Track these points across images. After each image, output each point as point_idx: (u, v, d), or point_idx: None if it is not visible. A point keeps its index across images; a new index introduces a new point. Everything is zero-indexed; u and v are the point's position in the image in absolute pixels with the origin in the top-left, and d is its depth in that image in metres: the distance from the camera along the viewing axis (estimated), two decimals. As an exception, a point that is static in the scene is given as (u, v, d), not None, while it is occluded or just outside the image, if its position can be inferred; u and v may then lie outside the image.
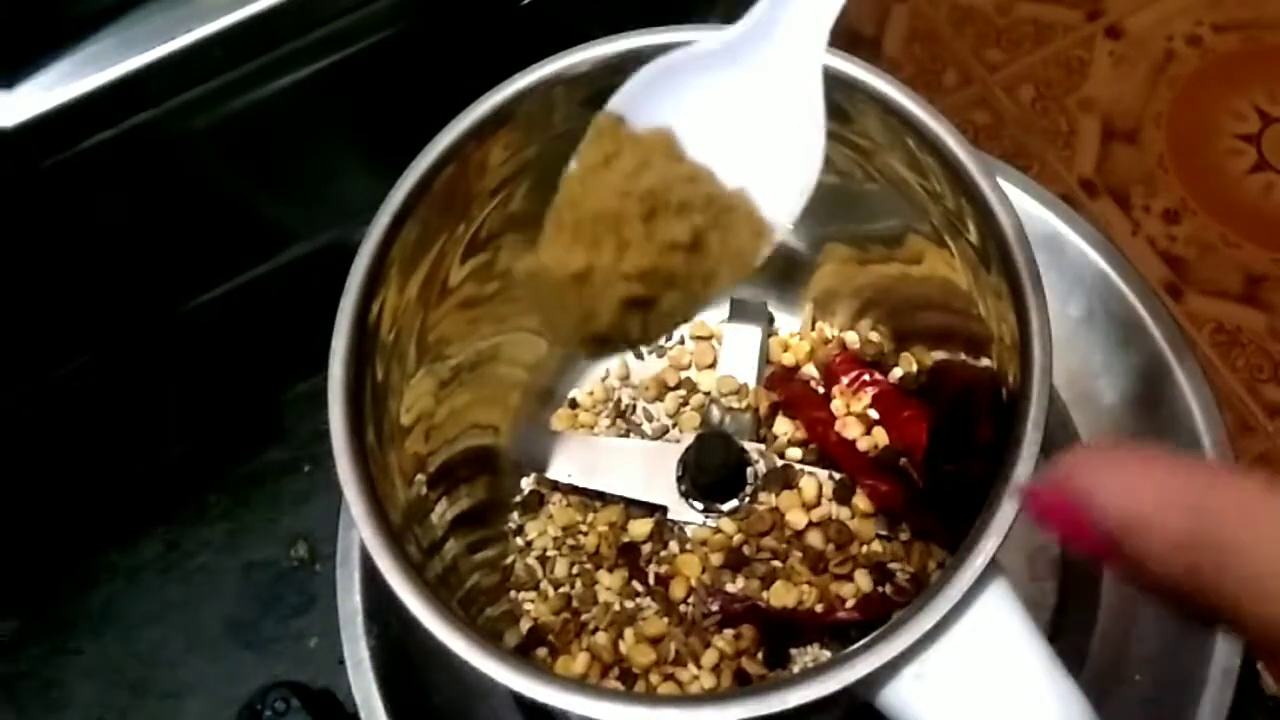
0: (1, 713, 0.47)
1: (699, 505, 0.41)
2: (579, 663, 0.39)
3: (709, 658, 0.38)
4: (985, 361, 0.36)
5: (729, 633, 0.39)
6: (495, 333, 0.40)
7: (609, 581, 0.41)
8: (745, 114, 0.30)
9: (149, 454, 0.50)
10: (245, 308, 0.47)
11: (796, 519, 0.40)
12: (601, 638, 0.40)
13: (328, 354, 0.32)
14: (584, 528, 0.42)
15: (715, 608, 0.39)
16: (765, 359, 0.45)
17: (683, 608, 0.40)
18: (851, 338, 0.44)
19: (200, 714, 0.46)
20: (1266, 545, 0.19)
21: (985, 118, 1.01)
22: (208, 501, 0.50)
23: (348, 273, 0.32)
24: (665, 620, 0.40)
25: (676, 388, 0.45)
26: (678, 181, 0.29)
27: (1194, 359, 0.41)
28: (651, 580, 0.41)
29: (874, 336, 0.44)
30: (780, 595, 0.39)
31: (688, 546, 0.41)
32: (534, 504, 0.43)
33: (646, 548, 0.41)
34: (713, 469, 0.40)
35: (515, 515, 0.43)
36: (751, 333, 0.44)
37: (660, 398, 0.45)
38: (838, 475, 0.41)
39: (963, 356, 0.39)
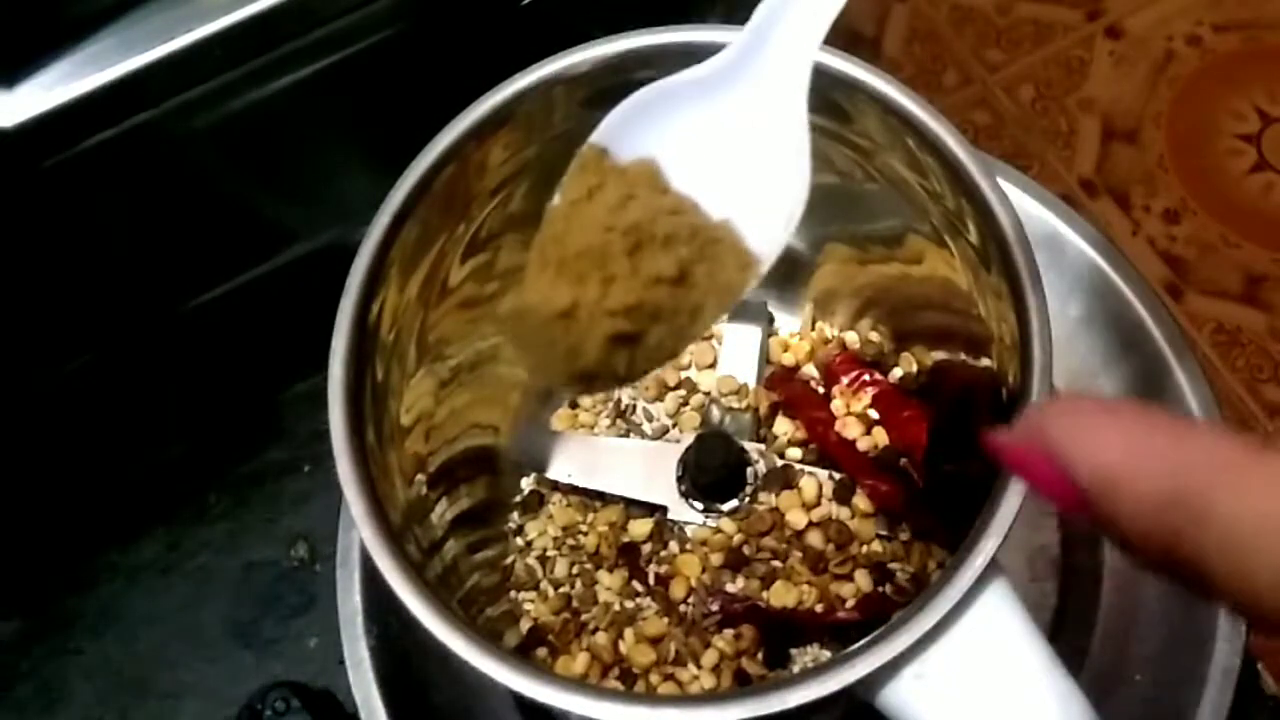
0: (2, 713, 0.47)
1: (699, 505, 0.41)
2: (579, 663, 0.39)
3: (709, 658, 0.38)
4: (985, 361, 0.36)
5: (729, 633, 0.39)
6: (495, 333, 0.40)
7: (609, 581, 0.41)
8: (730, 144, 0.30)
9: (149, 454, 0.50)
10: (245, 308, 0.47)
11: (796, 519, 0.40)
12: (601, 638, 0.40)
13: (328, 354, 0.32)
14: (584, 528, 0.42)
15: (715, 608, 0.39)
16: (765, 359, 0.45)
17: (683, 608, 0.40)
18: (851, 338, 0.44)
19: (200, 714, 0.46)
20: (1246, 507, 0.18)
21: (985, 118, 1.01)
22: (208, 501, 0.50)
23: (348, 273, 0.32)
24: (665, 620, 0.40)
25: (676, 388, 0.45)
26: (663, 214, 0.29)
27: (1194, 359, 0.41)
28: (651, 580, 0.41)
29: (874, 336, 0.44)
30: (780, 595, 0.39)
31: (688, 546, 0.41)
32: (534, 504, 0.43)
33: (646, 548, 0.41)
34: (713, 469, 0.40)
35: (515, 515, 0.43)
36: (751, 333, 0.44)
37: (660, 398, 0.45)
38: (838, 475, 0.41)
39: (963, 356, 0.39)
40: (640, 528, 0.41)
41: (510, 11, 0.43)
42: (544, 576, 0.42)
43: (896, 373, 0.42)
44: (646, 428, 0.44)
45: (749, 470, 0.41)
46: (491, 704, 0.41)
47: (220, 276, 0.47)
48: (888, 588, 0.39)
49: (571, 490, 0.43)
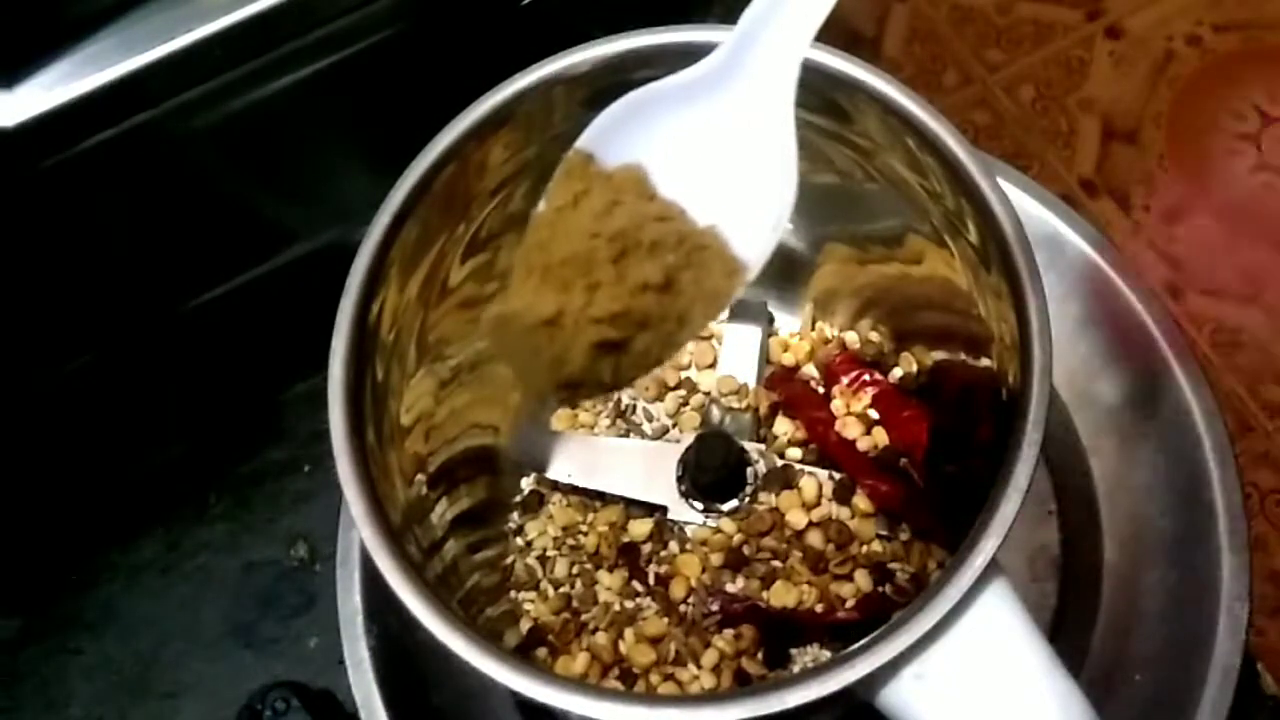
0: (2, 712, 0.47)
1: (699, 505, 0.41)
2: (579, 663, 0.39)
3: (709, 658, 0.38)
4: (985, 361, 0.36)
5: (729, 633, 0.39)
6: (482, 338, 0.40)
7: (609, 581, 0.41)
8: (717, 149, 0.30)
9: (149, 454, 0.50)
10: (245, 308, 0.47)
11: (796, 519, 0.40)
12: (601, 638, 0.40)
13: (328, 354, 0.32)
14: (584, 528, 0.42)
15: (715, 608, 0.39)
16: (765, 359, 0.45)
17: (683, 608, 0.40)
18: (851, 338, 0.44)
19: (200, 714, 0.46)
20: None
21: (985, 118, 1.01)
22: (208, 501, 0.50)
23: (348, 273, 0.32)
24: (665, 620, 0.40)
25: (676, 388, 0.45)
26: (649, 220, 0.29)
27: (1194, 359, 0.41)
28: (651, 580, 0.41)
29: (874, 336, 0.44)
30: (780, 595, 0.39)
31: (688, 546, 0.41)
32: (534, 504, 0.43)
33: (646, 548, 0.41)
34: (713, 469, 0.40)
35: (515, 515, 0.43)
36: (751, 333, 0.44)
37: (660, 398, 0.45)
38: (838, 475, 0.41)
39: (963, 356, 0.39)
40: (640, 528, 0.41)
41: (510, 11, 0.43)
42: (544, 576, 0.42)
43: (896, 373, 0.42)
44: (646, 428, 0.44)
45: (749, 470, 0.41)
46: (491, 704, 0.41)
47: (220, 276, 0.47)
48: (888, 588, 0.39)
49: (571, 490, 0.43)
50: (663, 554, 0.41)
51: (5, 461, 0.46)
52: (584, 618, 0.41)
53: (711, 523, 0.41)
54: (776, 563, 0.40)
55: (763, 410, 0.43)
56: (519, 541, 0.43)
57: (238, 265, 0.47)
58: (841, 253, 0.42)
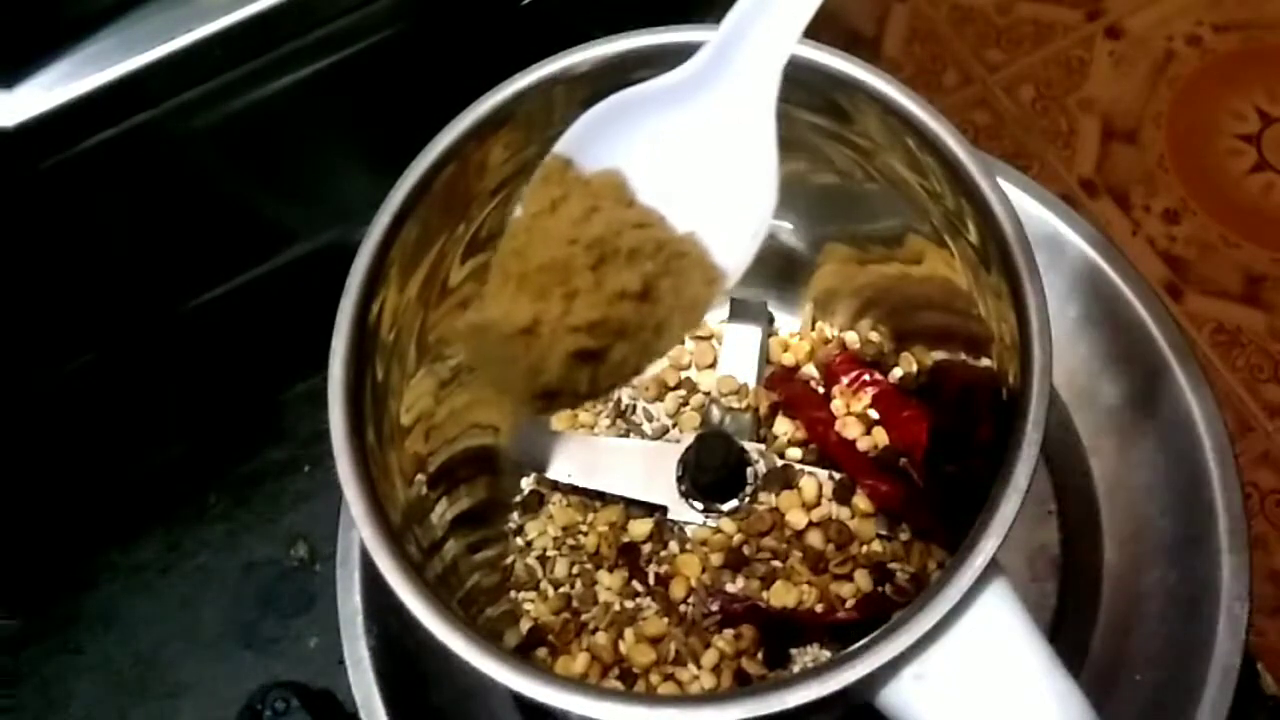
0: (2, 711, 0.47)
1: (699, 505, 0.41)
2: (579, 663, 0.39)
3: (709, 658, 0.38)
4: (985, 361, 0.36)
5: (729, 633, 0.39)
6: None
7: (609, 581, 0.41)
8: (696, 156, 0.30)
9: (149, 454, 0.50)
10: (245, 308, 0.47)
11: (796, 519, 0.40)
12: (601, 638, 0.40)
13: (328, 354, 0.32)
14: (584, 528, 0.42)
15: (715, 608, 0.39)
16: (765, 359, 0.45)
17: (683, 608, 0.40)
18: (851, 338, 0.44)
19: (200, 714, 0.46)
20: None
21: (985, 118, 1.01)
22: (208, 501, 0.50)
23: (348, 273, 0.32)
24: (665, 620, 0.40)
25: (676, 388, 0.45)
26: (627, 227, 0.29)
27: (1194, 359, 0.41)
28: (651, 580, 0.41)
29: (874, 336, 0.44)
30: (780, 595, 0.39)
31: (688, 546, 0.41)
32: (534, 504, 0.43)
33: (646, 548, 0.41)
34: (713, 469, 0.40)
35: (515, 515, 0.43)
36: (751, 333, 0.44)
37: (660, 398, 0.45)
38: (838, 475, 0.41)
39: (963, 356, 0.39)
40: (640, 528, 0.41)
41: (510, 11, 0.43)
42: (544, 576, 0.42)
43: (896, 373, 0.42)
44: (646, 428, 0.44)
45: (749, 470, 0.41)
46: (491, 704, 0.41)
47: (220, 276, 0.47)
48: (888, 588, 0.39)
49: (571, 490, 0.43)
50: (663, 554, 0.41)
51: (5, 461, 0.46)
52: (584, 618, 0.41)
53: (711, 523, 0.41)
54: (776, 563, 0.40)
55: (763, 410, 0.43)
56: (519, 541, 0.43)
57: (238, 265, 0.47)
58: (841, 253, 0.42)
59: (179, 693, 0.47)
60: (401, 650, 0.39)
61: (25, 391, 0.45)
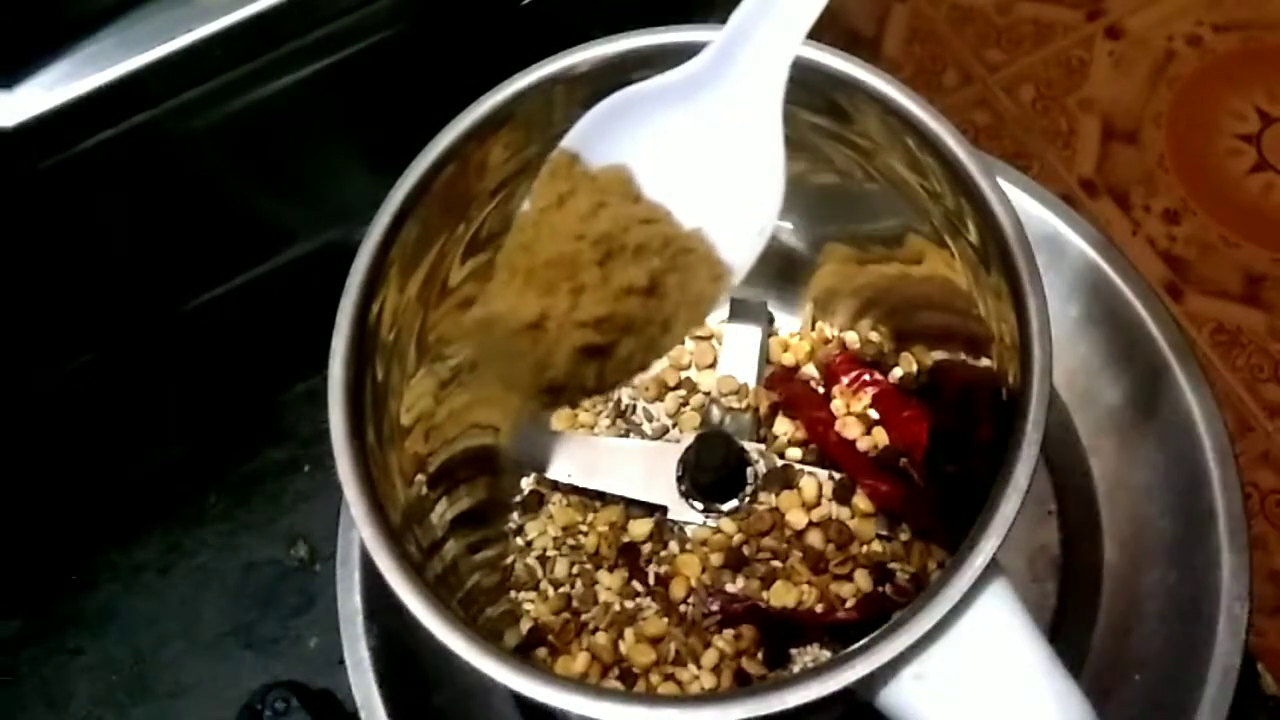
0: (2, 712, 0.47)
1: (699, 505, 0.41)
2: (579, 663, 0.39)
3: (709, 658, 0.38)
4: (985, 361, 0.36)
5: (729, 633, 0.39)
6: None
7: (609, 581, 0.41)
8: (703, 151, 0.30)
9: (149, 454, 0.50)
10: (245, 308, 0.47)
11: (796, 519, 0.40)
12: (601, 638, 0.40)
13: (328, 354, 0.32)
14: (584, 528, 0.42)
15: (715, 608, 0.39)
16: (765, 359, 0.45)
17: (683, 608, 0.40)
18: (851, 338, 0.44)
19: (200, 714, 0.46)
20: None
21: (985, 118, 1.01)
22: (208, 501, 0.50)
23: (348, 273, 0.32)
24: (665, 620, 0.40)
25: (676, 388, 0.45)
26: (634, 223, 0.29)
27: (1194, 359, 0.41)
28: (651, 580, 0.41)
29: (874, 336, 0.44)
30: (780, 595, 0.39)
31: (688, 546, 0.41)
32: (534, 504, 0.43)
33: (646, 548, 0.41)
34: (713, 469, 0.40)
35: (515, 515, 0.43)
36: (751, 333, 0.44)
37: (660, 398, 0.45)
38: (838, 475, 0.41)
39: (963, 356, 0.39)
40: (640, 528, 0.41)
41: (510, 11, 0.43)
42: (544, 576, 0.42)
43: (896, 373, 0.42)
44: (646, 428, 0.44)
45: (749, 470, 0.41)
46: (491, 704, 0.41)
47: (220, 276, 0.47)
48: (888, 588, 0.39)
49: (571, 490, 0.43)
50: (663, 554, 0.41)
51: (5, 461, 0.46)
52: (584, 618, 0.41)
53: (711, 523, 0.41)
54: (776, 563, 0.40)
55: (763, 410, 0.43)
56: (519, 541, 0.43)
57: (238, 265, 0.47)
58: (841, 253, 0.42)
59: (179, 693, 0.47)
60: (401, 650, 0.39)
61: (25, 391, 0.45)
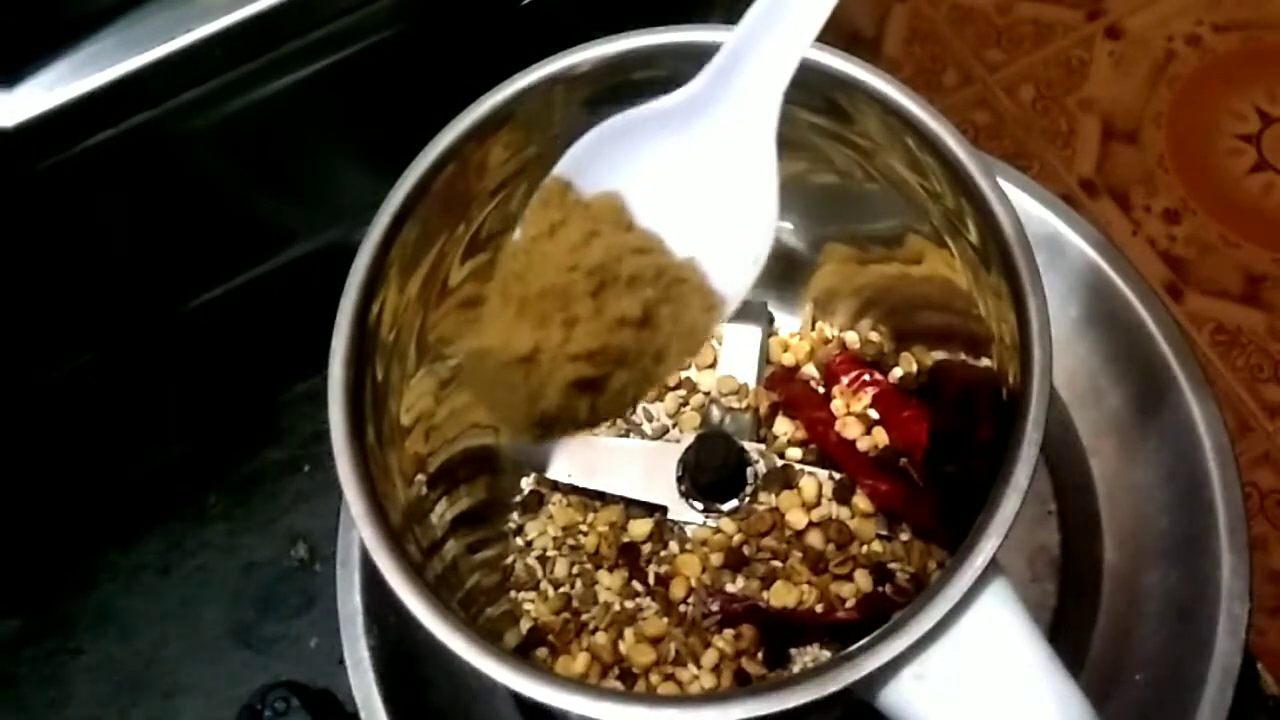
0: (2, 712, 0.47)
1: (699, 505, 0.41)
2: (579, 663, 0.39)
3: (709, 658, 0.38)
4: (985, 361, 0.36)
5: (729, 633, 0.39)
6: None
7: (609, 581, 0.41)
8: (696, 180, 0.29)
9: (149, 454, 0.50)
10: (245, 308, 0.47)
11: (796, 519, 0.40)
12: (601, 638, 0.40)
13: (328, 354, 0.32)
14: (584, 528, 0.42)
15: (715, 608, 0.39)
16: (765, 359, 0.45)
17: (683, 608, 0.40)
18: (851, 338, 0.44)
19: (200, 714, 0.46)
20: None
21: (985, 118, 1.01)
22: (208, 501, 0.50)
23: (348, 273, 0.32)
24: (665, 620, 0.40)
25: (676, 388, 0.45)
26: (627, 253, 0.28)
27: (1194, 359, 0.41)
28: (651, 580, 0.41)
29: (874, 336, 0.44)
30: (780, 595, 0.39)
31: (688, 546, 0.41)
32: (534, 504, 0.43)
33: (646, 548, 0.41)
34: (713, 469, 0.40)
35: (515, 515, 0.43)
36: (751, 333, 0.44)
37: (660, 398, 0.45)
38: (838, 475, 0.41)
39: (963, 356, 0.39)
40: (640, 528, 0.41)
41: (510, 11, 0.43)
42: (544, 576, 0.42)
43: (896, 373, 0.42)
44: (646, 428, 0.44)
45: (749, 470, 0.41)
46: (491, 704, 0.41)
47: (220, 276, 0.47)
48: (888, 588, 0.39)
49: (571, 490, 0.43)
50: (663, 554, 0.41)
51: (5, 461, 0.46)
52: (584, 618, 0.41)
53: (711, 523, 0.41)
54: (776, 563, 0.40)
55: (763, 410, 0.43)
56: (519, 541, 0.43)
57: (238, 265, 0.47)
58: (841, 253, 0.42)
59: (179, 693, 0.47)
60: (401, 650, 0.39)
61: (25, 391, 0.45)
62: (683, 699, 0.36)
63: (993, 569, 0.28)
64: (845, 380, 0.42)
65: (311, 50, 0.39)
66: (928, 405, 0.40)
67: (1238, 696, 0.37)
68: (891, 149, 0.35)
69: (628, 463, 0.42)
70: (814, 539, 0.40)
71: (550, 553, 0.42)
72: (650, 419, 0.45)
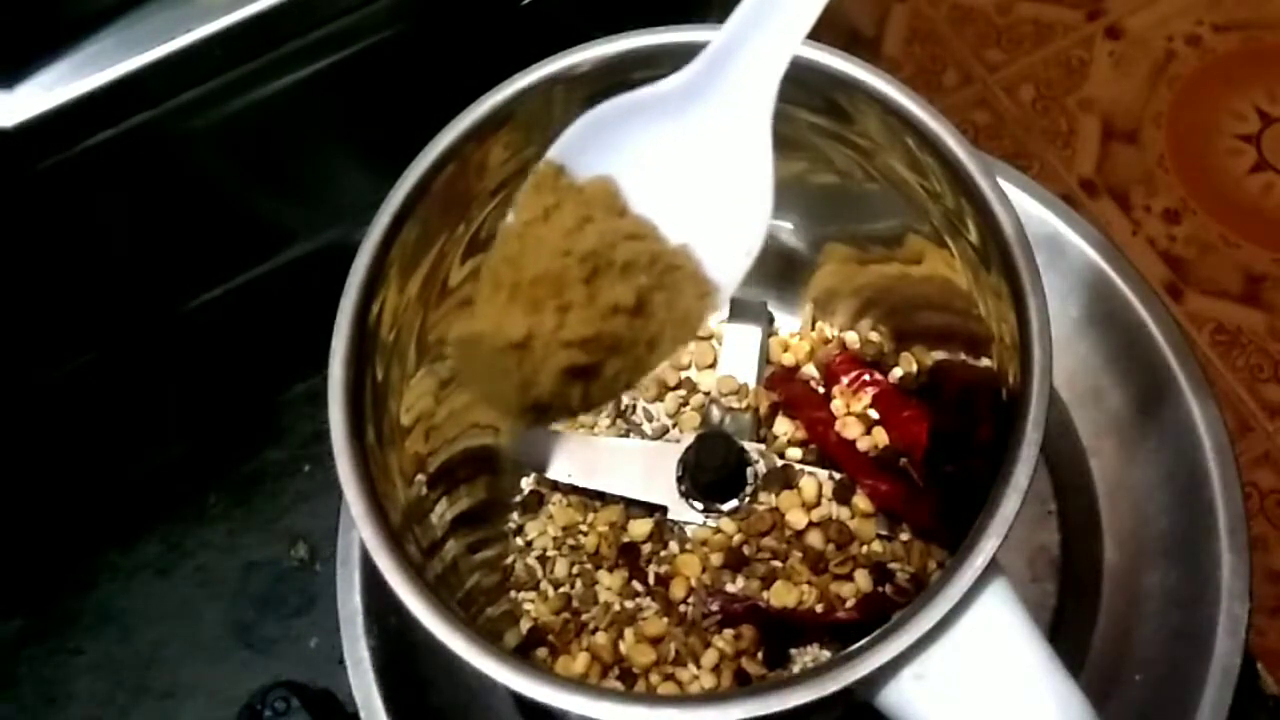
0: (2, 711, 0.47)
1: (699, 505, 0.41)
2: (579, 663, 0.39)
3: (709, 658, 0.38)
4: (985, 361, 0.36)
5: (729, 633, 0.39)
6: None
7: (609, 581, 0.41)
8: (691, 165, 0.29)
9: (149, 454, 0.50)
10: (245, 308, 0.47)
11: (796, 519, 0.40)
12: (601, 638, 0.40)
13: (328, 354, 0.32)
14: (584, 528, 0.42)
15: (715, 608, 0.39)
16: (765, 359, 0.45)
17: (683, 608, 0.40)
18: (851, 338, 0.44)
19: (200, 714, 0.46)
20: None
21: (985, 118, 1.01)
22: (208, 501, 0.50)
23: (348, 273, 0.32)
24: (665, 620, 0.40)
25: (676, 388, 0.45)
26: (621, 239, 0.28)
27: (1194, 359, 0.41)
28: (651, 580, 0.41)
29: (874, 336, 0.44)
30: (780, 595, 0.39)
31: (688, 546, 0.41)
32: (534, 504, 0.43)
33: (646, 548, 0.41)
34: (713, 469, 0.40)
35: (515, 515, 0.43)
36: (751, 333, 0.44)
37: (660, 398, 0.45)
38: (838, 475, 0.41)
39: (963, 356, 0.39)
40: (640, 528, 0.41)
41: (510, 11, 0.43)
42: (544, 576, 0.42)
43: (896, 373, 0.42)
44: (646, 428, 0.44)
45: (749, 470, 0.41)
46: (491, 704, 0.41)
47: (220, 276, 0.47)
48: (888, 588, 0.39)
49: (571, 490, 0.43)
50: (663, 554, 0.41)
51: (5, 461, 0.46)
52: (584, 618, 0.41)
53: (711, 523, 0.41)
54: (776, 563, 0.40)
55: (763, 410, 0.43)
56: (519, 541, 0.43)
57: (238, 265, 0.47)
58: (841, 253, 0.42)
59: (179, 693, 0.47)
60: (401, 650, 0.39)
61: (25, 391, 0.45)
62: (683, 699, 0.36)
63: (993, 569, 0.28)
64: (845, 380, 0.42)
65: (311, 50, 0.39)
66: (928, 405, 0.40)
67: (1238, 696, 0.37)
68: (891, 149, 0.35)
69: (628, 463, 0.42)
70: (814, 539, 0.40)
71: (550, 553, 0.42)
72: (650, 419, 0.45)
